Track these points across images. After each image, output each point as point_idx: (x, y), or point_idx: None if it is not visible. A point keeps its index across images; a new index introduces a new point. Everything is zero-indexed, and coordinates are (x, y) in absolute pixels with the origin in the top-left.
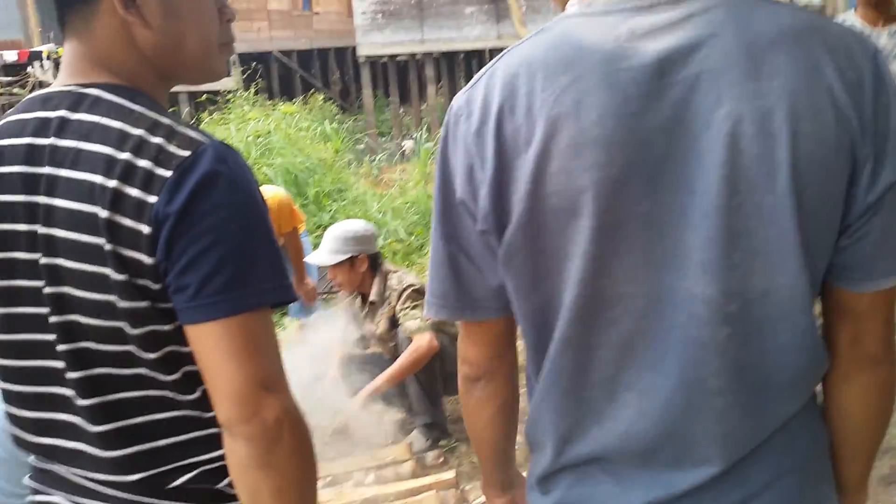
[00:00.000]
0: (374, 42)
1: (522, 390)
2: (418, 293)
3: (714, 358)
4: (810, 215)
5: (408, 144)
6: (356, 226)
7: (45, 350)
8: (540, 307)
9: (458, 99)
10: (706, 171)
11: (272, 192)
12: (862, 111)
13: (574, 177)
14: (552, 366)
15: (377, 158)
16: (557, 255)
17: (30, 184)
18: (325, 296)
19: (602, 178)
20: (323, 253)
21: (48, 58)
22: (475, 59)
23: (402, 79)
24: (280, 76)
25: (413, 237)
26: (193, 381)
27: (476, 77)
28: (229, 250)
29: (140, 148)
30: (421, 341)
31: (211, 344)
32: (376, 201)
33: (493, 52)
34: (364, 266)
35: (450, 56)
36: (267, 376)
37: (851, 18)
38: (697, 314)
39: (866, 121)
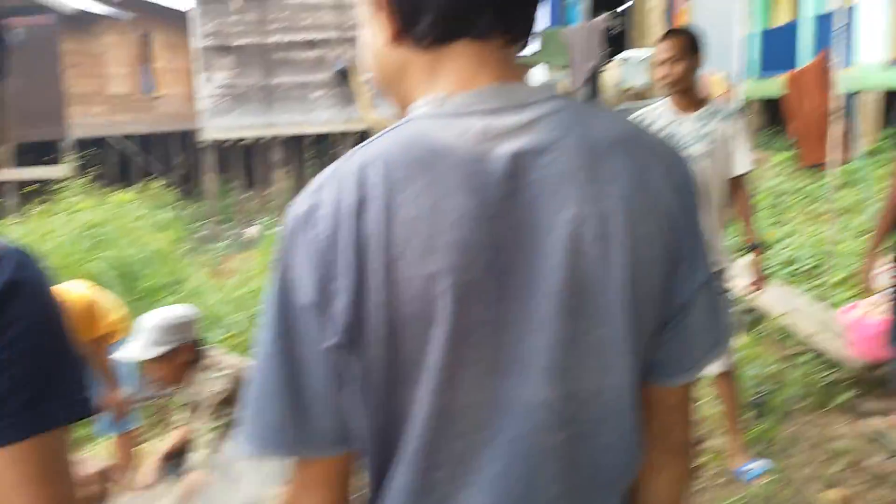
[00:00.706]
0: (219, 125)
1: None
2: (228, 402)
3: (552, 463)
4: (640, 314)
5: (251, 231)
6: (174, 312)
7: None
8: (385, 425)
9: (302, 202)
10: (550, 274)
11: (77, 293)
12: (682, 214)
13: (431, 282)
14: (394, 491)
15: (218, 247)
16: (412, 367)
17: None
18: (147, 402)
19: (458, 284)
20: (137, 347)
21: None
22: (324, 143)
23: (248, 163)
24: (118, 162)
25: (256, 329)
26: None
27: (321, 178)
28: (25, 368)
29: None
30: None
31: (1, 469)
32: (216, 292)
33: (342, 135)
34: (185, 357)
35: (297, 140)
36: (62, 502)
37: (663, 104)
38: (537, 421)
39: (685, 224)
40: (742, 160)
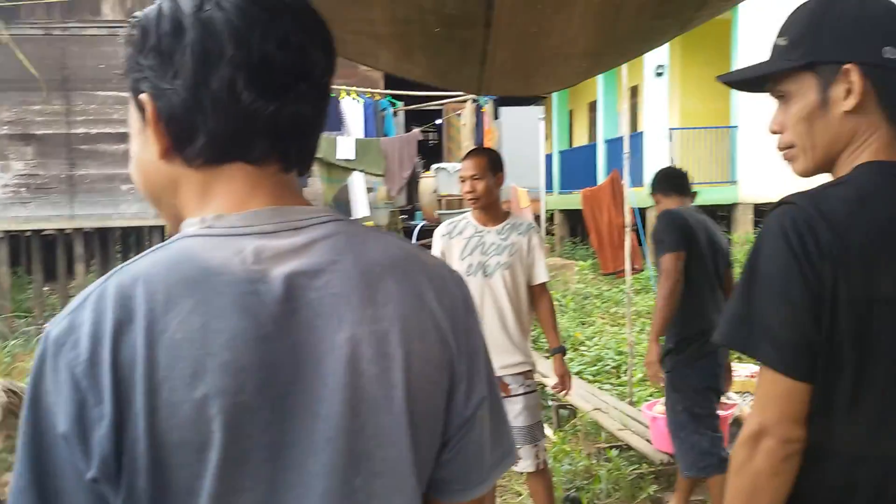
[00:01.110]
0: (16, 216)
1: None
2: None
3: None
4: (421, 432)
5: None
6: None
7: None
8: None
9: (59, 323)
10: (329, 395)
11: None
12: (457, 333)
13: (202, 406)
14: None
15: (9, 344)
16: (185, 498)
17: None
18: None
19: (230, 406)
20: None
21: None
22: (132, 236)
23: (49, 255)
24: None
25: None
26: None
27: (80, 297)
28: None
29: None
30: None
31: None
32: None
33: (151, 229)
34: None
35: (103, 232)
36: None
37: (469, 217)
38: None
39: (461, 342)
40: (541, 270)
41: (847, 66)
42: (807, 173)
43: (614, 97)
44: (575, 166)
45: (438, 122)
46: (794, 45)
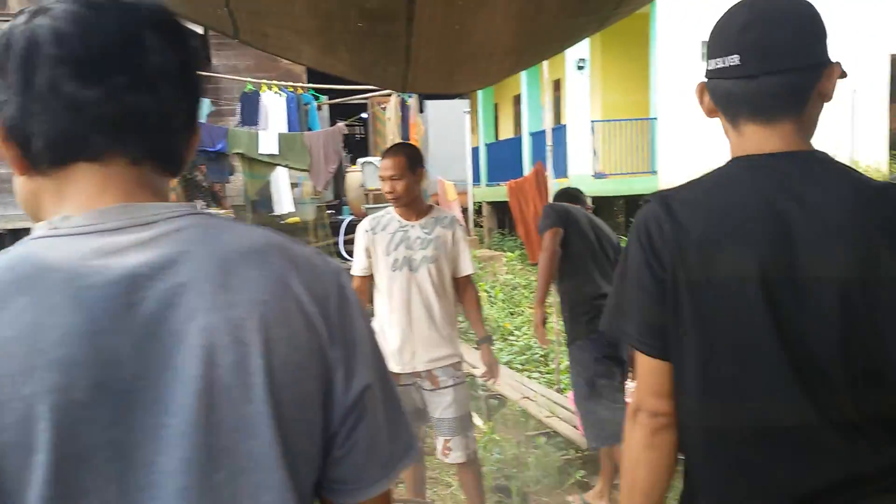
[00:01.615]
0: None
1: None
2: None
3: None
4: (290, 423)
5: None
6: None
7: None
8: None
9: None
10: (182, 388)
11: None
12: (329, 320)
13: (30, 405)
14: None
15: None
16: (15, 502)
17: None
18: None
19: (61, 404)
20: None
21: None
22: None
23: None
24: None
25: None
26: None
27: None
28: None
29: None
30: None
31: None
32: None
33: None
34: None
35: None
36: None
37: (392, 212)
38: None
39: (334, 329)
40: (466, 262)
41: (699, 83)
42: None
43: (537, 91)
44: (501, 159)
45: (364, 115)
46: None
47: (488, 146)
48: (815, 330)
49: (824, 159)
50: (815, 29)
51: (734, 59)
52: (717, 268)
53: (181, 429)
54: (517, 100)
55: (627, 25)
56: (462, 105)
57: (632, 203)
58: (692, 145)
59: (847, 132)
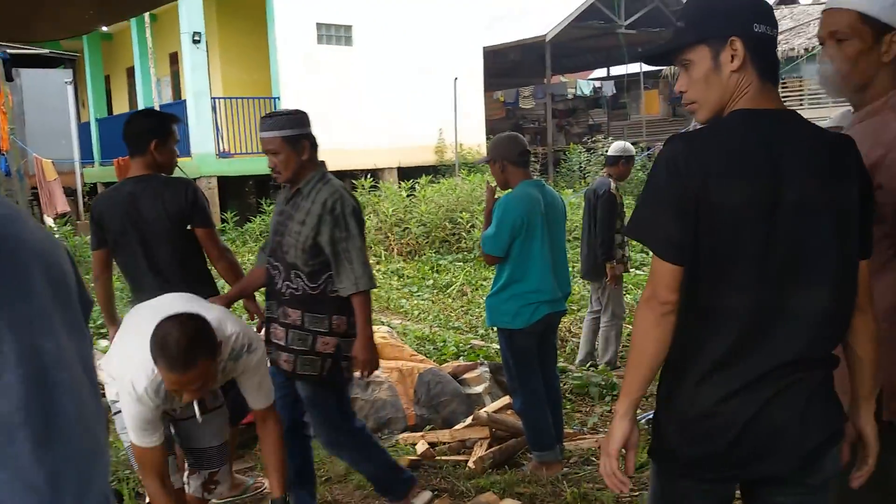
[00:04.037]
0: None
1: None
2: None
3: None
4: None
5: None
6: None
7: None
8: None
9: None
10: None
11: None
12: None
13: None
14: None
15: None
16: None
17: None
18: None
19: None
20: None
21: None
22: None
23: None
24: None
25: None
26: None
27: None
28: None
29: None
30: None
31: None
32: None
33: None
34: None
35: None
36: None
37: None
38: None
39: None
40: None
41: (732, 37)
42: (706, 121)
43: (149, 63)
44: (116, 136)
45: None
46: (691, 26)
47: (100, 122)
48: (787, 240)
49: (798, 116)
50: None
51: (775, 31)
52: (729, 195)
53: None
54: (131, 72)
55: (244, 2)
56: (63, 75)
57: (262, 183)
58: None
59: (450, 118)
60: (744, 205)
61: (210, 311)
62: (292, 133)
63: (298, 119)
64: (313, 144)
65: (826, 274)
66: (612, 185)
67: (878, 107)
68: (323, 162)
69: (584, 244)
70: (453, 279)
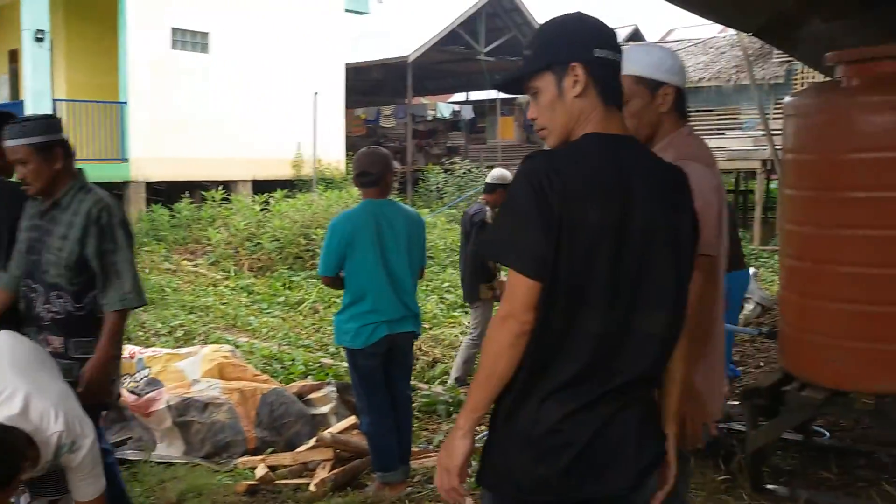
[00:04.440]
0: None
1: None
2: None
3: None
4: None
5: None
6: None
7: None
8: None
9: None
10: None
11: None
12: None
13: None
14: None
15: None
16: None
17: None
18: None
19: None
20: None
21: None
22: None
23: None
24: None
25: None
26: None
27: None
28: None
29: None
30: None
31: None
32: None
33: None
34: None
35: None
36: None
37: None
38: None
39: None
40: None
41: (573, 63)
42: (556, 146)
43: None
44: None
45: None
46: (536, 54)
47: None
48: (634, 262)
49: (639, 142)
50: None
51: (618, 56)
52: (587, 214)
53: None
54: None
55: (94, 1)
56: None
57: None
58: (164, 132)
59: (310, 132)
60: (598, 225)
61: (38, 402)
62: (42, 140)
63: (49, 124)
64: (68, 152)
65: (668, 296)
66: (489, 212)
67: (662, 147)
68: (81, 170)
69: (461, 268)
70: (306, 296)
